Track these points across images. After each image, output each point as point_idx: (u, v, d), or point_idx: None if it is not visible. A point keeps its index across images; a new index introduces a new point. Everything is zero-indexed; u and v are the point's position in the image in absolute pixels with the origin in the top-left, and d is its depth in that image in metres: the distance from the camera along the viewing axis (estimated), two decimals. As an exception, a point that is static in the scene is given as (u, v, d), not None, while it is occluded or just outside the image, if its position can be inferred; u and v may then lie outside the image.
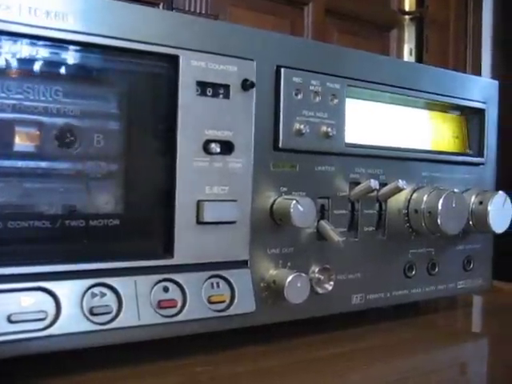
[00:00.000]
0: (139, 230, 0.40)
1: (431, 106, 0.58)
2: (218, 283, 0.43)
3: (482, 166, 0.60)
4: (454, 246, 0.59)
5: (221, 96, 0.42)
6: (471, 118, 0.61)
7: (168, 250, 0.41)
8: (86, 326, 0.37)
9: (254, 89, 0.44)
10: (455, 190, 0.54)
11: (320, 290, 0.48)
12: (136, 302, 0.39)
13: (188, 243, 0.41)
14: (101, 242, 0.39)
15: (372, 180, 0.48)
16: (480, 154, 0.60)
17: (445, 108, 0.59)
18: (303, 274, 0.45)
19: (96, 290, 0.38)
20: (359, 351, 0.48)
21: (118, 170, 0.40)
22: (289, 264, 0.47)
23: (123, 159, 0.40)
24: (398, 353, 0.48)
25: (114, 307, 0.38)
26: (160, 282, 0.40)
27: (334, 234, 0.47)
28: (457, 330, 0.58)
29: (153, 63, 0.40)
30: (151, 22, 0.40)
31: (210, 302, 0.42)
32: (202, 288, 0.42)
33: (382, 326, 0.54)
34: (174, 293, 0.40)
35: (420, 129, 0.57)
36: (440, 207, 0.52)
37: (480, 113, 0.60)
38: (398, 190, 0.50)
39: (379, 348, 0.49)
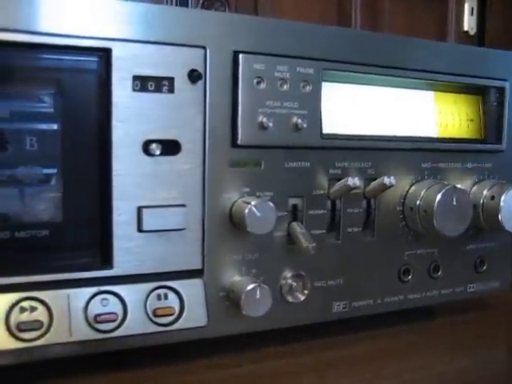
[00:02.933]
0: (74, 239, 0.38)
1: (437, 86, 0.51)
2: (165, 294, 0.39)
3: (500, 154, 0.53)
4: (462, 245, 0.52)
5: (164, 90, 0.38)
6: (489, 97, 0.53)
7: (106, 261, 0.38)
8: (12, 344, 0.35)
9: (205, 80, 0.39)
10: (457, 185, 0.47)
11: (291, 299, 0.44)
12: (68, 316, 0.36)
13: (129, 253, 0.38)
14: (31, 252, 0.36)
15: (350, 178, 0.43)
16: (498, 139, 0.53)
17: (455, 88, 0.52)
18: (263, 285, 0.41)
19: (26, 304, 0.36)
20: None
21: (53, 175, 0.37)
22: (253, 271, 0.42)
23: (59, 163, 0.37)
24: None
25: (45, 322, 0.36)
26: (97, 294, 0.37)
27: (304, 239, 0.42)
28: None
29: (83, 58, 0.36)
30: (79, 11, 0.36)
31: (156, 315, 0.39)
32: (146, 300, 0.38)
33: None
34: (113, 306, 0.38)
35: (423, 113, 0.50)
36: (436, 205, 0.46)
37: (499, 92, 0.52)
38: (385, 187, 0.45)
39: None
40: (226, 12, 0.85)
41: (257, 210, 0.39)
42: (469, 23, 1.53)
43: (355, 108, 0.47)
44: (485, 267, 0.53)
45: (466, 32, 1.54)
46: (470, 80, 0.51)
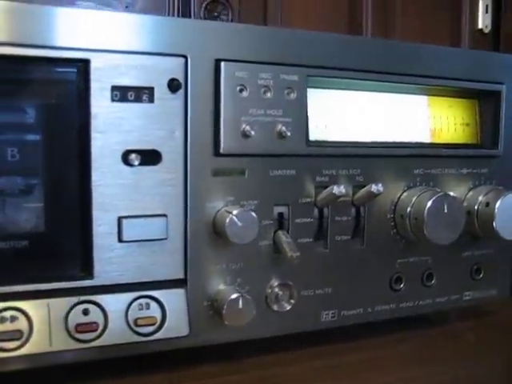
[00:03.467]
0: (55, 249, 0.38)
1: (431, 90, 0.50)
2: (147, 304, 0.39)
3: (496, 159, 0.51)
4: (457, 252, 0.51)
5: (144, 100, 0.38)
6: (485, 101, 0.52)
7: (87, 271, 0.38)
8: (-9, 353, 0.35)
9: (186, 89, 0.39)
10: (449, 193, 0.46)
11: (277, 308, 0.43)
12: (48, 326, 0.37)
13: (110, 263, 0.38)
14: (12, 262, 0.37)
15: (335, 186, 0.42)
16: (494, 144, 0.51)
17: (450, 92, 0.50)
18: (246, 295, 0.40)
19: (6, 314, 0.36)
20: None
21: (34, 186, 0.37)
22: (238, 280, 0.42)
23: (40, 174, 0.37)
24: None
25: (25, 332, 0.36)
26: (78, 304, 0.37)
27: (288, 248, 0.41)
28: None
29: (62, 69, 0.37)
30: (57, 22, 0.36)
31: (137, 325, 0.39)
32: (127, 310, 0.38)
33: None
34: (94, 315, 0.38)
35: (415, 118, 0.49)
36: (427, 213, 0.45)
37: (495, 95, 0.51)
38: (372, 194, 0.44)
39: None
40: (229, 17, 0.85)
41: (238, 219, 0.39)
42: (483, 21, 1.50)
43: (344, 114, 0.46)
44: (481, 275, 0.52)
45: (481, 30, 1.52)
46: (465, 84, 0.50)
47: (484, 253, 0.52)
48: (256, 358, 0.44)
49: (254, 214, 0.40)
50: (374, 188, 0.43)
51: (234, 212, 0.39)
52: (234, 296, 0.40)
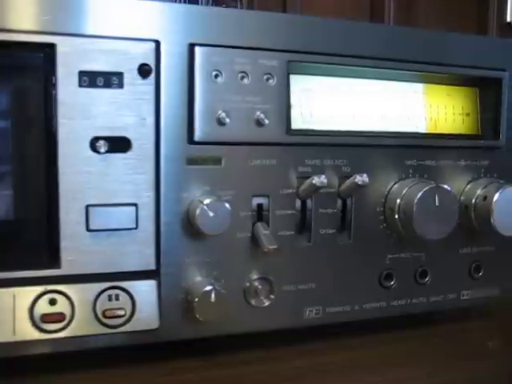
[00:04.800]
0: (22, 238, 0.37)
1: (426, 77, 0.47)
2: (117, 295, 0.38)
3: (497, 151, 0.48)
4: (455, 249, 0.48)
5: (114, 86, 0.37)
6: (486, 89, 0.49)
7: (54, 260, 0.37)
8: (-47, 342, 0.35)
9: (158, 74, 0.38)
10: (442, 185, 0.43)
11: (254, 303, 0.42)
12: (13, 315, 0.36)
13: (78, 252, 0.37)
14: (-23, 250, 0.36)
15: (316, 176, 0.40)
16: (495, 135, 0.48)
17: (449, 79, 0.48)
18: (219, 288, 0.39)
19: (-30, 302, 0.36)
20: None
21: (1, 174, 0.37)
22: (214, 273, 0.41)
23: (9, 162, 0.37)
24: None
25: (-10, 321, 0.36)
26: (45, 293, 0.37)
27: (265, 240, 0.40)
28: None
29: (28, 54, 0.36)
30: (22, 6, 0.35)
31: (106, 317, 0.38)
32: (95, 301, 0.38)
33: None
34: (61, 306, 0.37)
35: (409, 107, 0.47)
36: (416, 207, 0.42)
37: (496, 83, 0.48)
38: (358, 186, 0.42)
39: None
40: (237, 6, 0.84)
41: (209, 209, 0.38)
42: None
43: (332, 102, 0.44)
44: (481, 273, 0.49)
45: (509, 23, 1.46)
46: (465, 71, 0.47)
47: (484, 249, 0.49)
48: (242, 354, 0.43)
49: (226, 204, 0.38)
50: (358, 179, 0.41)
51: (206, 202, 0.38)
52: (206, 289, 0.38)
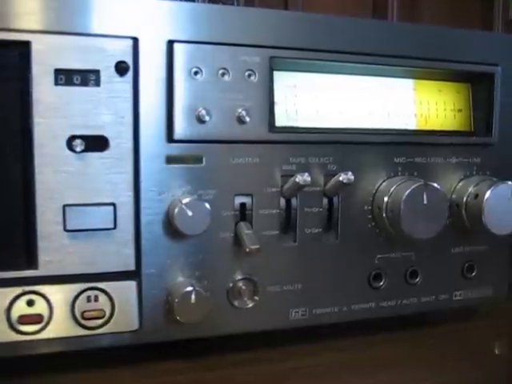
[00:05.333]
0: (-1, 238, 0.37)
1: (416, 73, 0.46)
2: (96, 297, 0.38)
3: (490, 148, 0.47)
4: (446, 248, 0.47)
5: (91, 84, 0.37)
6: (478, 85, 0.48)
7: (31, 261, 0.36)
8: None
9: (136, 72, 0.37)
10: (431, 183, 0.42)
11: (237, 304, 0.41)
12: (-10, 317, 0.36)
13: (55, 253, 0.37)
14: (-46, 251, 0.36)
15: (299, 174, 0.39)
16: (488, 131, 0.47)
17: (440, 75, 0.47)
18: (200, 289, 0.38)
19: None
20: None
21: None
22: (197, 274, 0.40)
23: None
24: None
25: (-33, 322, 0.35)
26: (22, 295, 0.36)
27: (247, 240, 0.39)
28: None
29: (1, 52, 0.35)
30: (-4, 4, 0.35)
31: (84, 318, 0.37)
32: (74, 302, 0.37)
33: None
34: (39, 307, 0.36)
35: (398, 103, 0.46)
36: (403, 205, 0.41)
37: (488, 78, 0.47)
38: (342, 184, 0.41)
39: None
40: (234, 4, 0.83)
41: (188, 209, 0.37)
42: (517, 11, 1.43)
43: (318, 99, 0.43)
44: (474, 273, 0.48)
45: (515, 20, 1.44)
46: (456, 66, 0.46)
47: (477, 249, 0.48)
48: (230, 355, 0.42)
49: (206, 203, 0.38)
50: (343, 177, 0.40)
51: (184, 201, 0.37)
52: (185, 290, 0.38)
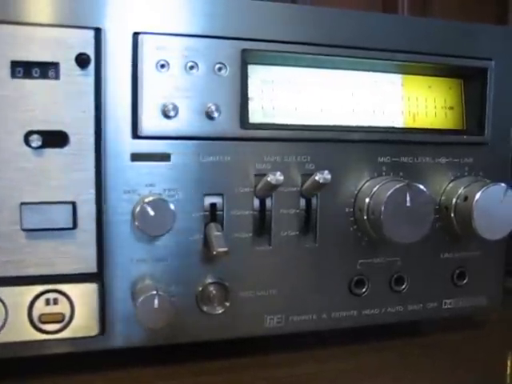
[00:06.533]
0: (-46, 237, 0.35)
1: (404, 68, 0.43)
2: (55, 299, 0.36)
3: (483, 147, 0.44)
4: (435, 254, 0.44)
5: (51, 77, 0.35)
6: (470, 80, 0.45)
7: (-13, 261, 0.35)
8: None
9: (99, 64, 0.35)
10: (413, 183, 0.40)
11: (206, 310, 0.39)
12: None
13: (12, 253, 0.35)
14: None
15: (271, 174, 0.37)
16: (480, 130, 0.44)
17: (429, 70, 0.44)
18: (162, 293, 0.36)
19: None
20: None
21: None
22: (164, 277, 0.38)
23: None
24: None
25: None
26: (-23, 297, 0.35)
27: (215, 242, 0.37)
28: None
29: (-44, 43, 0.34)
30: (-49, -7, 0.33)
31: (42, 322, 0.35)
32: (32, 305, 0.35)
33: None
34: (-5, 310, 0.35)
35: (385, 99, 0.43)
36: (384, 207, 0.39)
37: (480, 74, 0.44)
38: (319, 184, 0.38)
39: None
40: None
41: (150, 208, 0.35)
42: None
43: (297, 94, 0.41)
44: (466, 280, 0.45)
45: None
46: (446, 60, 0.44)
47: (469, 255, 0.45)
48: (206, 363, 0.40)
49: (169, 203, 0.36)
50: (319, 177, 0.38)
51: (146, 200, 0.35)
52: (147, 294, 0.36)
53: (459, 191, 0.42)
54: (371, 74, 0.43)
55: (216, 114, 0.37)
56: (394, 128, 0.43)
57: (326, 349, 0.43)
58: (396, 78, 0.44)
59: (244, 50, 0.38)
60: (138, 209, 0.35)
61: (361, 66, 0.42)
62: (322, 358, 0.42)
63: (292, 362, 0.42)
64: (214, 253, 0.37)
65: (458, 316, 0.45)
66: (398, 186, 0.39)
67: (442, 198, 0.43)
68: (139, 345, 0.38)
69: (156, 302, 0.36)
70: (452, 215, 0.42)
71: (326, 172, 0.38)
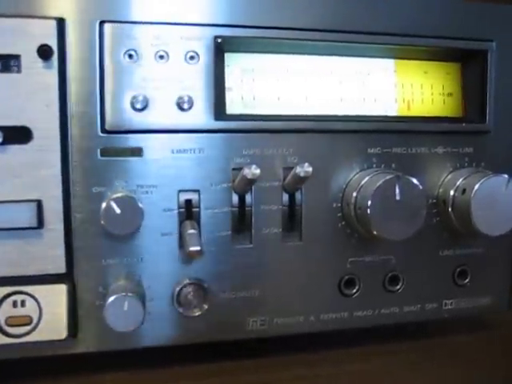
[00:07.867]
0: None
1: (396, 52, 0.40)
2: (22, 302, 0.35)
3: (484, 136, 0.41)
4: (433, 251, 0.41)
5: (13, 70, 0.34)
6: (470, 64, 0.41)
7: (-50, 262, 0.34)
8: None
9: (63, 56, 0.34)
10: (403, 175, 0.37)
11: (183, 312, 0.37)
12: None
13: (-23, 253, 0.34)
14: None
15: (246, 167, 0.35)
16: (481, 117, 0.41)
17: (424, 53, 0.41)
18: (132, 295, 0.34)
19: None
20: None
21: None
22: (137, 278, 0.36)
23: None
24: None
25: None
26: None
27: (189, 241, 0.35)
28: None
29: None
30: None
31: (9, 325, 0.34)
32: (-2, 307, 0.34)
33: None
34: (-40, 312, 0.34)
35: (379, 87, 0.40)
36: (371, 201, 0.36)
37: (480, 56, 0.41)
38: (299, 178, 0.36)
39: None
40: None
41: (116, 205, 0.33)
42: None
43: (279, 83, 0.39)
44: (468, 279, 0.42)
45: None
46: (444, 42, 0.40)
47: (471, 252, 0.41)
48: (196, 367, 0.39)
49: (137, 200, 0.34)
50: (299, 170, 0.36)
51: (113, 196, 0.33)
52: (116, 296, 0.34)
53: (457, 183, 0.39)
54: (361, 59, 0.40)
55: (188, 106, 0.35)
56: (384, 117, 0.40)
57: (317, 353, 0.41)
58: (388, 64, 0.41)
59: (217, 37, 0.36)
60: (103, 206, 0.33)
61: (349, 52, 0.40)
62: (313, 361, 0.40)
63: (283, 364, 0.39)
64: (188, 252, 0.35)
65: (461, 316, 0.42)
66: (386, 178, 0.36)
67: (440, 190, 0.40)
68: (112, 349, 0.36)
69: (126, 304, 0.34)
70: (450, 209, 0.39)
71: (307, 165, 0.36)
